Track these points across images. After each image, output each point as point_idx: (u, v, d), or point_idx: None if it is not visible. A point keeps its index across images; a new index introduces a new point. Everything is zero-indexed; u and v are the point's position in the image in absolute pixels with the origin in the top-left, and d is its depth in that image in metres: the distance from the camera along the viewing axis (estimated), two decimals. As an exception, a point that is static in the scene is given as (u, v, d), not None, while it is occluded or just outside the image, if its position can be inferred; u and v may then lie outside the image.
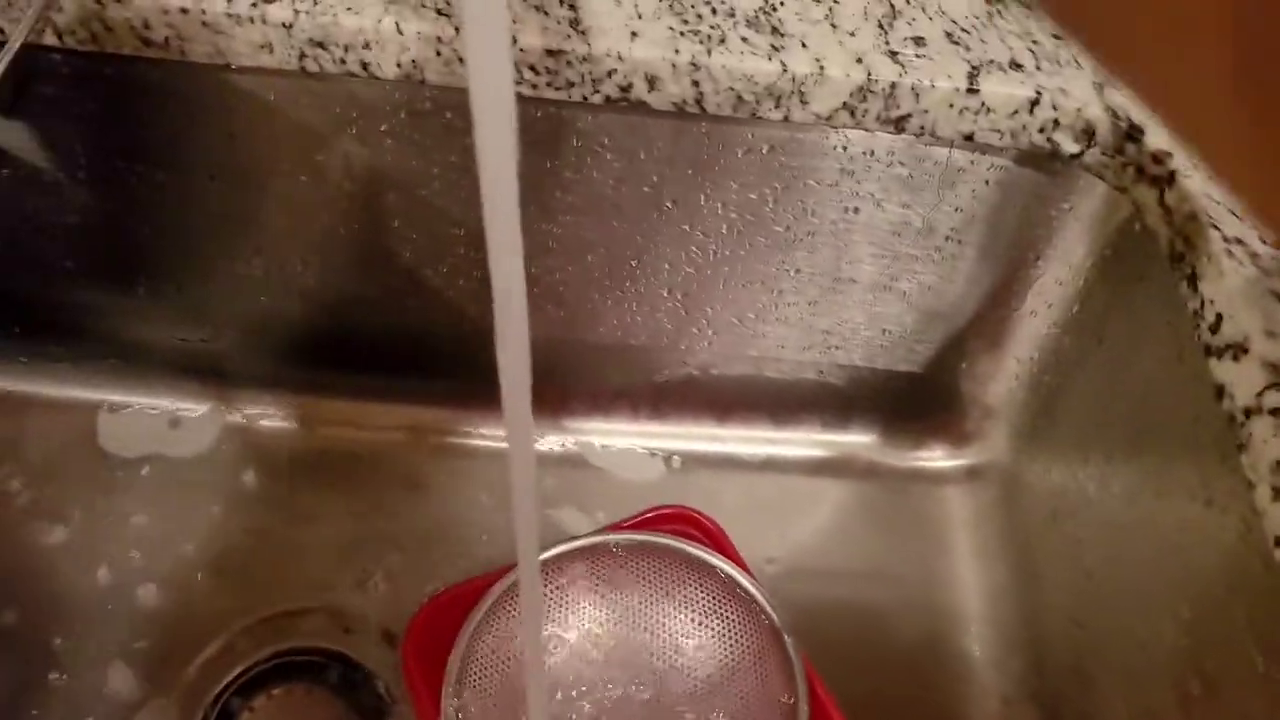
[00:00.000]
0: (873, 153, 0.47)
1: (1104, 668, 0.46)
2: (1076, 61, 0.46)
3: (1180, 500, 0.41)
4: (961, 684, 0.51)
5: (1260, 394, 0.36)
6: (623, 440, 0.58)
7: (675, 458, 0.58)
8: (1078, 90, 0.45)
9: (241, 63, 0.45)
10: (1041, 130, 0.45)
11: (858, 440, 0.58)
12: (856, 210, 0.49)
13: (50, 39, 0.44)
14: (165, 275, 0.54)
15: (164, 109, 0.47)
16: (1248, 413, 0.36)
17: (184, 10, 0.43)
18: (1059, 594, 0.50)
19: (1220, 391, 0.38)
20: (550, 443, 0.57)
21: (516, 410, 0.27)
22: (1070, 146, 0.46)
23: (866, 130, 0.46)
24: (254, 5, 0.43)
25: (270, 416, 0.57)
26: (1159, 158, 0.43)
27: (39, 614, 0.50)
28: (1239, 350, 0.38)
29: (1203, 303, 0.40)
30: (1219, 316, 0.39)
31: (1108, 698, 0.45)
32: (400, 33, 0.43)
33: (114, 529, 0.53)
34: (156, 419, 0.57)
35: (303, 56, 0.44)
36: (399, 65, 0.45)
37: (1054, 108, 0.45)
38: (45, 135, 0.49)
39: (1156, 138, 0.44)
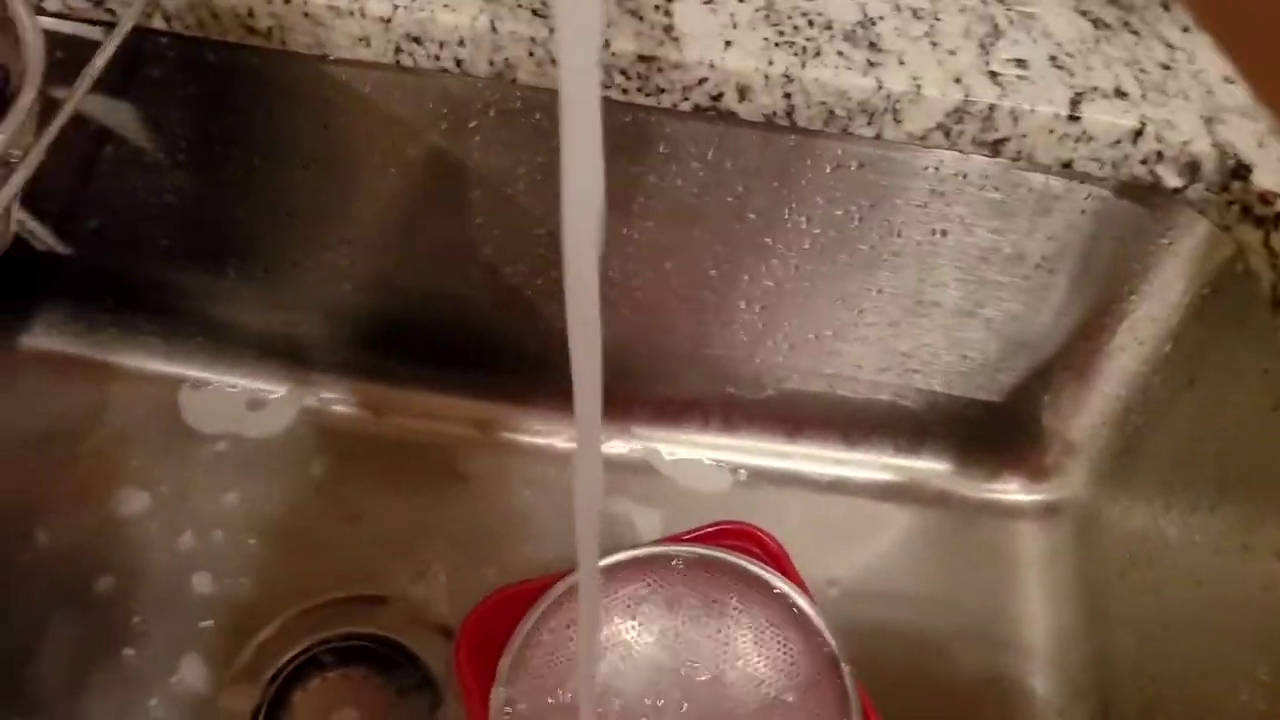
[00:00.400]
0: (965, 175, 0.46)
1: (1175, 722, 0.44)
2: (1185, 94, 0.45)
3: (1267, 557, 0.40)
4: (1020, 716, 0.50)
5: (1364, 452, 0.34)
6: (690, 450, 0.57)
7: (742, 471, 0.57)
8: (1185, 123, 0.43)
9: (339, 54, 0.46)
10: (1144, 162, 0.44)
11: (930, 467, 0.57)
12: (944, 233, 0.48)
13: (159, 23, 0.46)
14: (255, 258, 0.55)
15: (263, 96, 0.48)
16: (1349, 470, 0.35)
17: (286, 1, 0.44)
18: (1131, 643, 0.48)
19: (1320, 446, 0.36)
20: (617, 447, 0.57)
21: (586, 417, 0.27)
22: (1173, 180, 0.44)
23: (960, 152, 0.45)
24: (355, -1, 0.44)
25: (344, 402, 0.58)
26: (1267, 198, 0.41)
27: (125, 584, 0.51)
28: (1344, 404, 0.36)
29: (1307, 351, 0.38)
30: (1324, 367, 0.37)
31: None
32: (495, 31, 0.44)
33: (190, 504, 0.54)
34: (235, 397, 0.58)
35: (398, 51, 0.45)
36: (491, 64, 0.45)
37: (1158, 139, 0.43)
38: (149, 116, 0.50)
39: (1265, 176, 0.42)
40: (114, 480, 0.54)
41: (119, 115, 0.50)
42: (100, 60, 0.43)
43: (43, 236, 0.55)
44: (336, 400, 0.58)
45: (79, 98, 0.42)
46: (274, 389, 0.58)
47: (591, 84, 0.22)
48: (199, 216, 0.54)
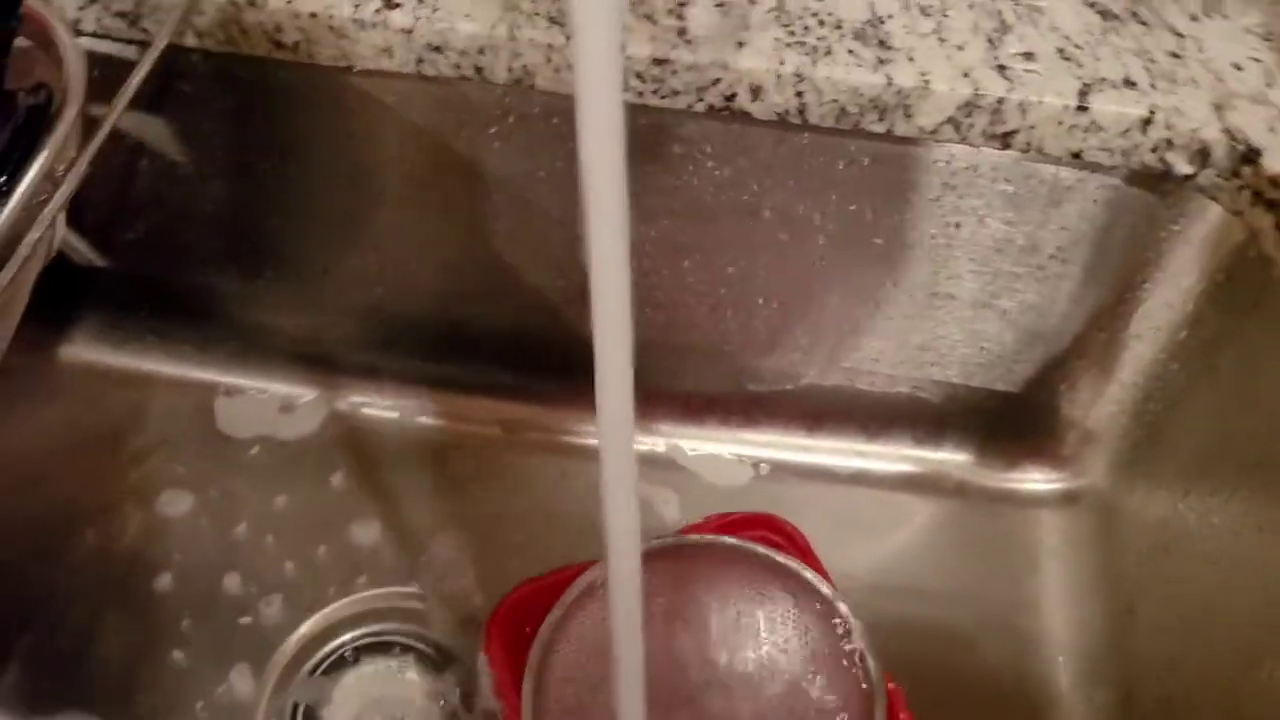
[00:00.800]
0: (977, 168, 0.47)
1: (1196, 711, 0.44)
2: (1194, 81, 0.45)
3: (1286, 537, 0.40)
4: (1045, 712, 0.50)
5: (1375, 429, 0.35)
6: (712, 445, 0.58)
7: (764, 465, 0.58)
8: (1194, 110, 0.44)
9: (364, 65, 0.47)
10: (1154, 150, 0.44)
11: (950, 458, 0.58)
12: (958, 225, 0.49)
13: (190, 40, 0.47)
14: (287, 265, 0.57)
15: (291, 109, 0.50)
16: (1361, 448, 0.35)
17: (313, 15, 0.45)
18: (1154, 630, 0.48)
19: (1333, 425, 0.37)
20: (640, 443, 0.58)
21: (615, 406, 0.27)
22: (1184, 167, 0.44)
23: (971, 145, 0.46)
24: (378, 11, 0.45)
25: (373, 405, 0.59)
26: (1278, 182, 0.42)
27: (171, 582, 0.53)
28: (1355, 383, 0.36)
29: (1318, 332, 0.38)
30: (1335, 347, 0.37)
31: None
32: (513, 39, 0.45)
33: (228, 506, 0.55)
34: (268, 402, 0.59)
35: (420, 61, 0.46)
36: (510, 70, 0.46)
37: (1168, 127, 0.44)
38: (183, 130, 0.52)
39: (1276, 161, 0.42)
40: (157, 484, 0.56)
41: (154, 130, 0.52)
42: (137, 77, 0.44)
43: (82, 249, 0.57)
44: (366, 403, 0.59)
45: (118, 113, 0.44)
46: (305, 392, 0.59)
47: (613, 89, 0.22)
48: (232, 226, 0.56)
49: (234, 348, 0.60)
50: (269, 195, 0.54)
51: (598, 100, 0.22)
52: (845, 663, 0.45)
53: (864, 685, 0.44)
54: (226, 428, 0.59)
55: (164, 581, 0.53)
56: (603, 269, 0.25)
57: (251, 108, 0.50)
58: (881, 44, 0.45)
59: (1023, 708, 0.51)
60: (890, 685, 0.44)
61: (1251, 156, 0.43)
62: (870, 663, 0.44)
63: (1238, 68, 0.46)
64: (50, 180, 0.37)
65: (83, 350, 0.60)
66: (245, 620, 0.52)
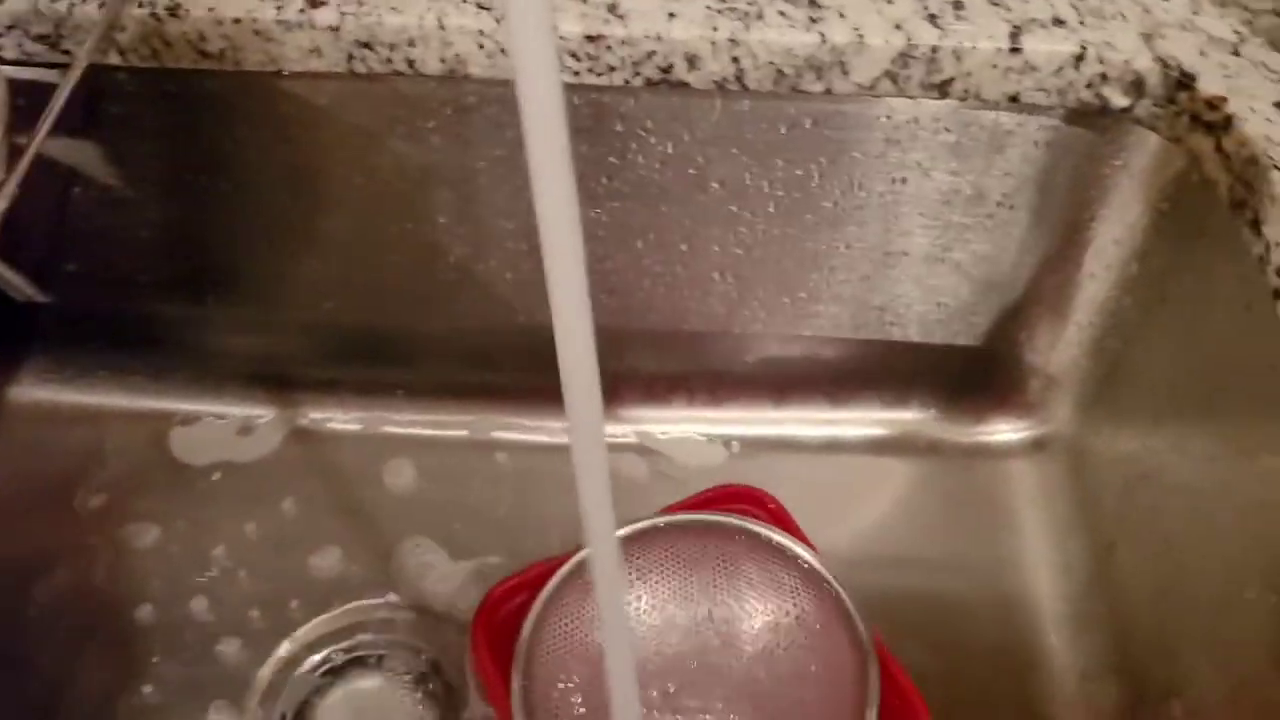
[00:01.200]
0: (918, 120, 0.47)
1: (1189, 637, 0.44)
2: (1122, 15, 0.46)
3: (1263, 455, 0.40)
4: (1038, 661, 0.50)
5: (1331, 332, 0.35)
6: (681, 427, 0.58)
7: (734, 443, 0.58)
8: (1124, 42, 0.44)
9: (293, 68, 0.46)
10: (1089, 86, 0.45)
11: (919, 417, 0.58)
12: (904, 180, 0.49)
13: (114, 59, 0.46)
14: (233, 283, 0.56)
15: (223, 119, 0.49)
16: (1319, 353, 0.35)
17: (236, 20, 0.45)
18: (1137, 564, 0.48)
19: (1290, 335, 0.37)
20: (607, 432, 0.58)
21: (582, 389, 0.27)
22: (1119, 100, 0.45)
23: (910, 98, 0.46)
24: (302, 11, 0.45)
25: (336, 419, 0.58)
26: (1214, 103, 0.42)
27: (145, 615, 0.51)
28: (1306, 290, 0.36)
29: (1268, 246, 0.39)
30: (1284, 258, 0.38)
31: (1195, 667, 0.44)
32: (443, 28, 0.45)
33: (194, 533, 0.54)
34: (226, 426, 0.58)
35: (350, 58, 0.46)
36: (443, 61, 0.46)
37: (1100, 61, 0.44)
38: (115, 152, 0.51)
39: (1210, 83, 0.43)
40: (120, 519, 0.55)
41: (85, 155, 0.51)
42: (60, 99, 0.43)
43: (20, 286, 0.56)
44: (328, 417, 0.58)
45: (44, 136, 0.43)
46: (264, 413, 0.58)
47: (549, 66, 0.22)
48: (174, 247, 0.55)
49: (187, 374, 0.59)
50: (208, 212, 0.53)
51: (537, 82, 0.21)
52: (835, 626, 0.45)
53: (855, 647, 0.43)
54: (185, 456, 0.58)
55: (142, 614, 0.51)
56: (557, 256, 0.24)
57: (183, 122, 0.50)
58: (812, 3, 0.45)
59: (1015, 657, 0.51)
60: (879, 641, 0.43)
61: (1185, 82, 0.43)
62: (860, 625, 0.44)
63: (1163, -2, 0.47)
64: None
65: (31, 389, 0.59)
66: (222, 648, 0.50)
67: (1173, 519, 0.46)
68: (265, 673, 0.51)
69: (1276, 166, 0.39)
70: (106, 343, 0.58)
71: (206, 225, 0.54)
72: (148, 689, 0.49)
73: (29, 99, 0.45)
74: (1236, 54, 0.44)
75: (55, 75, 0.47)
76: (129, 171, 0.51)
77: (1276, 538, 0.39)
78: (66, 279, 0.56)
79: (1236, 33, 0.45)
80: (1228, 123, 0.42)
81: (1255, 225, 0.40)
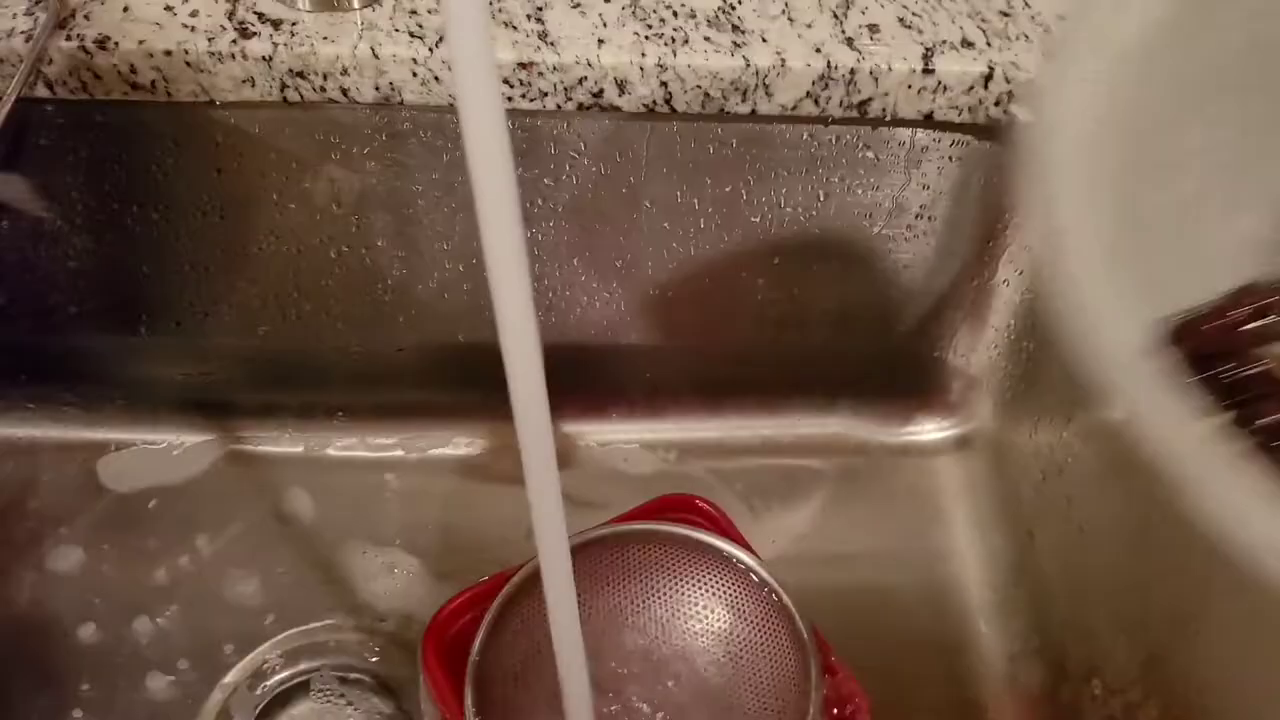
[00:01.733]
0: (838, 139, 0.49)
1: (1105, 617, 0.47)
2: (1025, 35, 0.48)
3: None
4: (967, 646, 0.53)
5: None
6: (620, 437, 0.59)
7: (672, 451, 0.59)
8: (1028, 62, 0.47)
9: (225, 98, 0.47)
10: (997, 103, 0.47)
11: (848, 420, 0.60)
12: (826, 196, 0.51)
13: (42, 91, 0.46)
14: (165, 313, 0.56)
15: (154, 150, 0.49)
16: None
17: (168, 52, 0.45)
18: (1053, 552, 0.51)
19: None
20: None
21: (530, 398, 0.28)
22: (1026, 115, 0.47)
23: (831, 117, 0.48)
24: (234, 42, 0.45)
25: (274, 443, 0.58)
26: (1110, 120, 0.45)
27: (79, 642, 0.51)
28: (1200, 294, 0.39)
29: (1163, 253, 0.42)
30: (1179, 264, 0.41)
31: (1111, 645, 0.47)
32: (376, 57, 0.45)
33: (126, 561, 0.54)
34: (160, 454, 0.58)
35: (284, 87, 0.46)
36: (377, 89, 0.46)
37: (1007, 80, 0.47)
38: (43, 185, 0.50)
39: (1106, 101, 0.45)
40: (48, 546, 0.54)
41: (12, 188, 0.50)
42: (-14, 134, 0.43)
43: (-56, 321, 0.55)
44: (264, 443, 0.58)
45: (-29, 171, 0.42)
46: (199, 439, 0.58)
47: (490, 89, 0.23)
48: (105, 278, 0.54)
49: (121, 404, 0.58)
50: (139, 242, 0.53)
51: (479, 108, 0.22)
52: (777, 625, 0.46)
53: (797, 645, 0.45)
54: (121, 486, 0.57)
55: (83, 634, 0.51)
56: (502, 277, 0.25)
57: (113, 153, 0.49)
58: (735, 29, 0.47)
59: (945, 646, 0.53)
60: (819, 636, 0.45)
61: (1084, 100, 0.46)
62: (799, 622, 0.46)
63: (1063, 19, 0.49)
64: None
65: (-43, 425, 0.58)
66: (167, 678, 0.50)
67: (1083, 508, 0.49)
68: (215, 699, 0.51)
69: (1169, 178, 0.42)
70: (36, 375, 0.57)
71: (137, 255, 0.53)
72: (77, 714, 0.49)
73: (-47, 134, 0.44)
74: (1130, 72, 0.47)
75: (-19, 109, 0.47)
76: (58, 203, 0.51)
77: (1177, 516, 0.42)
78: (-6, 312, 0.55)
79: (1129, 52, 0.48)
80: (1124, 137, 0.44)
81: (1152, 233, 0.43)
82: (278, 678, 0.51)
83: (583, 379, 0.59)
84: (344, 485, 0.57)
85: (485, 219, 0.24)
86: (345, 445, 0.59)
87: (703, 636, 0.48)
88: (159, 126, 0.48)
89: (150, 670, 0.51)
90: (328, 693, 0.51)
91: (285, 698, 0.51)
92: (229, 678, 0.51)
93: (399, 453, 0.59)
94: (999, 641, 0.53)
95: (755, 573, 0.47)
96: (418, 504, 0.57)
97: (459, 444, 0.59)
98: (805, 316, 0.56)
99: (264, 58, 0.45)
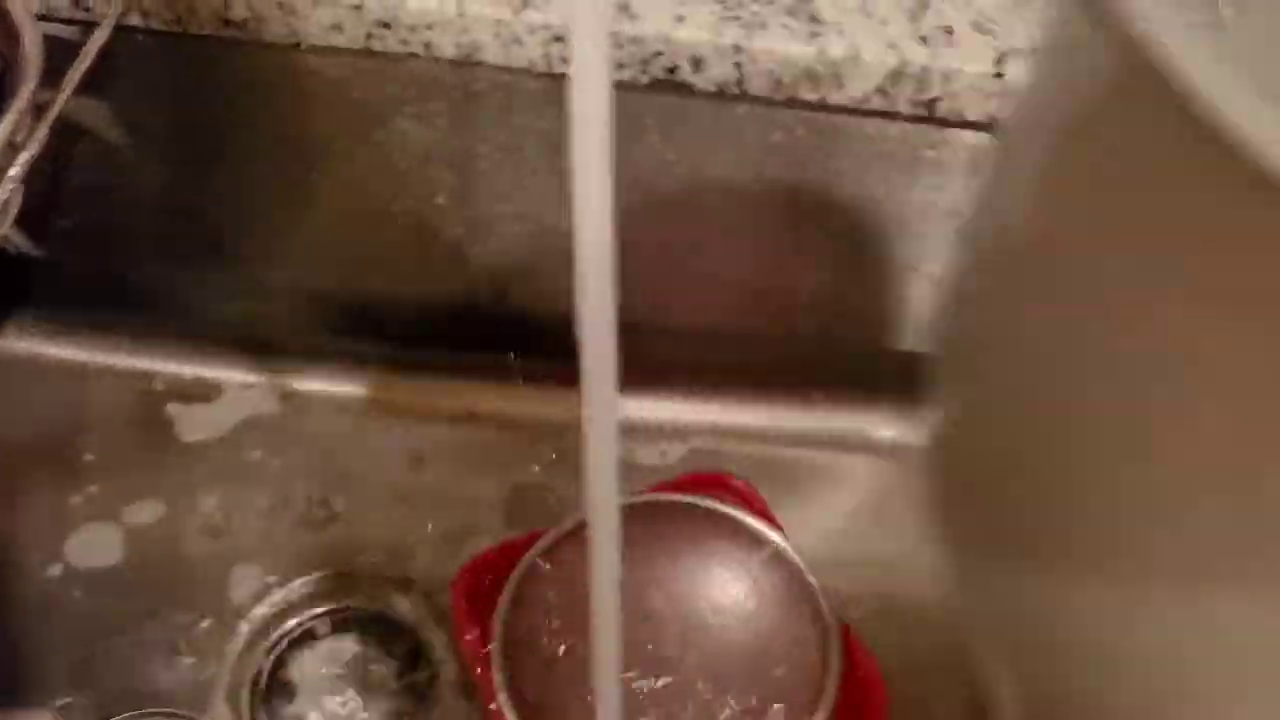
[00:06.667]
0: (905, 138, 0.50)
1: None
2: (1097, 50, 0.49)
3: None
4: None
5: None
6: (658, 414, 0.60)
7: (706, 433, 0.60)
8: (1099, 75, 0.47)
9: (312, 42, 0.48)
10: (1064, 113, 0.48)
11: (887, 418, 0.60)
12: (886, 195, 0.52)
13: (135, 19, 0.48)
14: (231, 249, 0.57)
15: (234, 88, 0.51)
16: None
17: (262, -8, 0.46)
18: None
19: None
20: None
21: (600, 367, 0.28)
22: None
23: (899, 113, 0.49)
24: (327, -13, 0.46)
25: (323, 388, 0.60)
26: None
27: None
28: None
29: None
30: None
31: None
32: (461, 14, 0.47)
33: (182, 501, 0.55)
34: (214, 389, 0.59)
35: (369, 36, 0.47)
36: (458, 46, 0.48)
37: (1076, 91, 0.47)
38: (122, 113, 0.52)
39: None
40: (115, 491, 0.55)
41: (93, 113, 0.52)
42: (87, 59, 0.45)
43: (16, 240, 0.57)
44: (314, 387, 0.60)
45: (68, 95, 0.44)
46: (252, 379, 0.59)
47: (601, 58, 0.23)
48: (173, 211, 0.56)
49: (178, 336, 0.59)
50: (209, 178, 0.54)
51: (589, 76, 0.23)
52: (800, 602, 0.47)
53: (818, 622, 0.46)
54: (172, 417, 0.58)
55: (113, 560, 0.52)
56: (589, 241, 0.26)
57: (193, 89, 0.51)
58: (812, 18, 0.48)
59: (964, 655, 0.54)
60: (844, 624, 0.46)
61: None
62: (822, 601, 0.46)
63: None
64: (11, 147, 0.37)
65: (16, 344, 0.59)
66: (208, 599, 0.52)
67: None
68: (241, 632, 0.52)
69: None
70: (97, 302, 0.59)
71: (207, 191, 0.55)
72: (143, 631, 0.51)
73: (49, 55, 0.46)
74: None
75: (72, 33, 0.48)
76: (135, 134, 0.53)
77: None
78: (61, 235, 0.57)
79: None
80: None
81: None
82: (310, 612, 0.52)
83: (626, 354, 0.59)
84: (378, 435, 0.58)
85: (581, 182, 0.25)
86: (383, 395, 0.60)
87: (725, 608, 0.49)
88: (241, 64, 0.50)
89: (199, 599, 0.52)
90: (359, 633, 0.52)
91: (310, 635, 0.52)
92: (263, 608, 0.52)
93: (443, 408, 0.59)
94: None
95: (780, 549, 0.48)
96: (464, 463, 0.57)
97: (508, 405, 0.59)
98: (861, 311, 0.57)
99: (354, 5, 0.46)
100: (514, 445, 0.58)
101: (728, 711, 0.45)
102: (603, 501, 0.33)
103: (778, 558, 0.48)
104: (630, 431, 0.59)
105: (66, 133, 0.52)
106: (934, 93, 0.48)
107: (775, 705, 0.45)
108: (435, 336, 0.60)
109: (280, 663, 0.51)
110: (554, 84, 0.49)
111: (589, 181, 0.25)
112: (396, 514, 0.55)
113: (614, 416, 0.31)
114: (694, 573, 0.50)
